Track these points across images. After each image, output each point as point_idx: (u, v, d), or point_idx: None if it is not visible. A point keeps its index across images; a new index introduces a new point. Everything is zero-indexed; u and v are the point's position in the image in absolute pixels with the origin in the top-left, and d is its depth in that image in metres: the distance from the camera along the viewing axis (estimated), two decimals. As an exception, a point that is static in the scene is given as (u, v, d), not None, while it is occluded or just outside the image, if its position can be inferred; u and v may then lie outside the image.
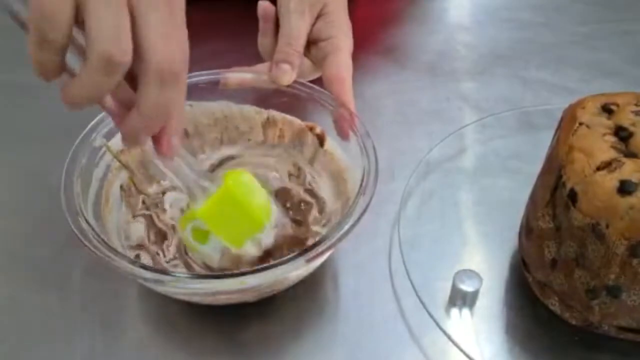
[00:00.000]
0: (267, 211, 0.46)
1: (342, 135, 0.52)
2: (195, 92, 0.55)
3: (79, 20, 0.33)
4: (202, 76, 0.55)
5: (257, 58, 0.57)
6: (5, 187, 0.59)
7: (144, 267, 0.42)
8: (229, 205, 0.43)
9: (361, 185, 0.47)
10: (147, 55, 0.35)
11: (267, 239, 0.46)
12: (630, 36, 0.79)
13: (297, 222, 0.52)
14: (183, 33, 0.37)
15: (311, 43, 0.55)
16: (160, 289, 0.46)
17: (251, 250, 0.46)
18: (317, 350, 0.48)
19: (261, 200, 0.46)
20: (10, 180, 0.60)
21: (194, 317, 0.49)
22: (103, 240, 0.44)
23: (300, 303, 0.50)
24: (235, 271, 0.42)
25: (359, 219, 0.44)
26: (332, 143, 0.55)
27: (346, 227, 0.44)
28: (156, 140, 0.39)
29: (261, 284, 0.43)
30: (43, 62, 0.34)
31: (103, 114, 0.51)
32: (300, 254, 0.42)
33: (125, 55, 0.34)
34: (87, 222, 0.45)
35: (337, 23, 0.55)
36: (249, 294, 0.46)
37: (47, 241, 0.53)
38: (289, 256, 0.42)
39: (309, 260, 0.42)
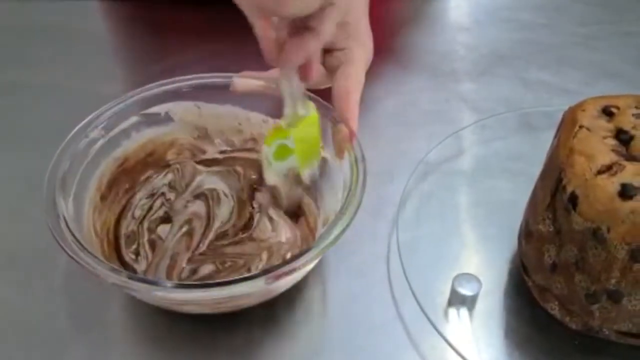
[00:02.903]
0: None
1: (337, 153, 0.51)
2: (204, 93, 0.55)
3: None
4: (213, 78, 0.55)
5: (257, 58, 0.56)
6: (3, 188, 0.59)
7: (131, 277, 0.42)
8: (312, 132, 0.51)
9: (341, 208, 0.45)
10: None
11: (315, 173, 0.52)
12: (632, 37, 0.79)
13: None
14: None
15: (326, 51, 0.54)
16: (144, 297, 0.46)
17: (305, 177, 0.52)
18: (314, 355, 0.47)
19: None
20: (10, 182, 0.59)
21: (186, 320, 0.48)
22: (86, 249, 0.43)
23: (297, 307, 0.50)
24: (222, 280, 0.42)
25: (329, 245, 0.43)
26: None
27: (316, 251, 0.43)
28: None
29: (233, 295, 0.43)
30: None
31: (89, 118, 0.51)
32: (261, 274, 0.41)
33: None
34: (68, 227, 0.44)
35: (354, 34, 0.54)
36: (244, 300, 0.46)
37: (41, 243, 0.52)
38: (248, 274, 0.42)
39: (269, 280, 0.41)
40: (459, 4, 0.86)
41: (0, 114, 0.67)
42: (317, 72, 0.46)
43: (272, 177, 0.53)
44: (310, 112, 0.50)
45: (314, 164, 0.52)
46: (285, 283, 0.46)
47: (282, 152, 0.51)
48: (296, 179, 0.52)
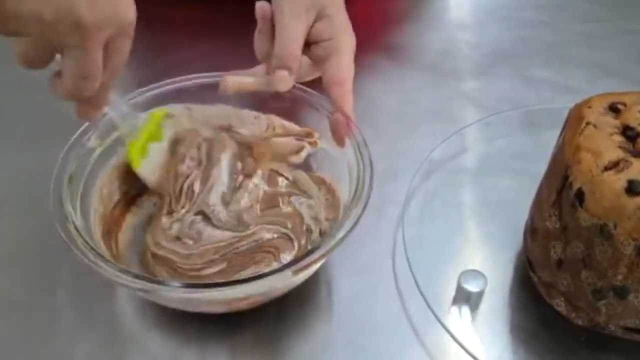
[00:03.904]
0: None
1: (338, 142, 0.52)
2: (194, 95, 0.55)
3: None
4: (201, 79, 0.55)
5: (251, 57, 0.56)
6: (5, 187, 0.59)
7: (137, 276, 0.42)
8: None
9: (355, 194, 0.46)
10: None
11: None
12: (633, 35, 0.79)
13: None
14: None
15: (312, 43, 0.54)
16: (149, 297, 0.46)
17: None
18: (320, 351, 0.47)
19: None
20: (11, 180, 0.59)
21: (194, 317, 0.48)
22: (93, 248, 0.43)
23: (303, 304, 0.50)
24: (226, 280, 0.43)
25: (352, 228, 0.44)
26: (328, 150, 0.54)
27: (337, 238, 0.43)
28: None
29: (251, 294, 0.44)
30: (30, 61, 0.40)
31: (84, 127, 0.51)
32: (287, 266, 0.42)
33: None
34: (76, 229, 0.44)
35: (338, 24, 0.54)
36: (243, 303, 0.46)
37: (47, 241, 0.52)
38: (276, 267, 0.42)
39: (296, 272, 0.42)
40: (461, 2, 0.86)
41: (2, 113, 0.67)
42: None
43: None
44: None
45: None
46: (304, 275, 0.46)
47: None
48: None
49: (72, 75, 0.40)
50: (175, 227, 0.51)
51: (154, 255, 0.49)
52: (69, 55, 0.40)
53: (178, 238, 0.50)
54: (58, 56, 0.40)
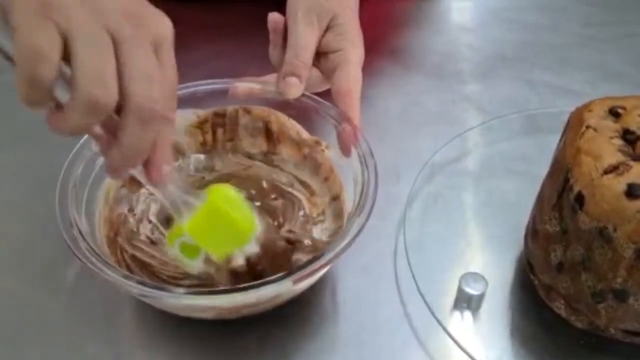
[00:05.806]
0: (252, 223, 0.46)
1: (344, 151, 0.52)
2: (203, 101, 0.55)
3: (66, 57, 0.34)
4: (211, 85, 0.55)
5: (260, 59, 0.57)
6: (9, 187, 0.59)
7: (140, 282, 0.42)
8: (214, 219, 0.44)
9: (359, 204, 0.46)
10: (127, 95, 0.35)
11: (253, 249, 0.46)
12: (634, 38, 0.79)
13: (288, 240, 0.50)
14: (169, 72, 0.38)
15: (321, 54, 0.54)
16: (152, 302, 0.46)
17: (237, 260, 0.46)
18: (321, 353, 0.48)
19: (246, 213, 0.46)
20: (15, 181, 0.60)
21: (194, 321, 0.48)
22: (97, 253, 0.43)
23: (305, 305, 0.50)
24: (229, 287, 0.43)
25: (354, 238, 0.44)
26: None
27: (340, 246, 0.43)
28: (146, 169, 0.40)
29: (253, 303, 0.44)
30: (31, 97, 0.34)
31: None
32: (287, 275, 0.42)
33: (110, 98, 0.34)
34: (81, 235, 0.44)
35: (347, 35, 0.54)
36: (246, 310, 0.46)
37: (51, 241, 0.53)
38: (276, 276, 0.42)
39: (297, 281, 0.42)
40: (464, 5, 0.86)
41: (7, 114, 0.67)
42: (159, 173, 0.40)
43: (197, 269, 0.47)
44: (202, 199, 0.43)
45: (244, 242, 0.46)
46: (305, 283, 0.46)
47: (189, 249, 0.45)
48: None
49: (140, 80, 0.35)
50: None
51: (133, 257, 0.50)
52: (124, 53, 0.35)
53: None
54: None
